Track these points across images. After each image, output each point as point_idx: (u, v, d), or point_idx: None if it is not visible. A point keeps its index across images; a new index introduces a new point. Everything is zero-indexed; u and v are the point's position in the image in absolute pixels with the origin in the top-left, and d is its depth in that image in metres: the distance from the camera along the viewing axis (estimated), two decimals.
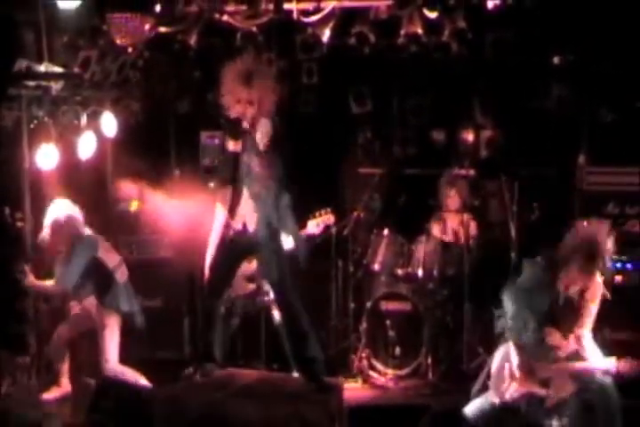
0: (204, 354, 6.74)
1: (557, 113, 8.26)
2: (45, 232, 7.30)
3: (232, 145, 6.24)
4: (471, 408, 6.13)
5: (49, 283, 7.37)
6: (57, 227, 7.26)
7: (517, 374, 5.96)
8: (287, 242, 7.03)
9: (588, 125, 8.11)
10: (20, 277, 7.29)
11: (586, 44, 7.57)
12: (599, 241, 5.92)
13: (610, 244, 5.97)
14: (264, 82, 6.25)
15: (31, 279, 7.33)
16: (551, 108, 8.22)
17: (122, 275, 7.39)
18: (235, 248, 6.52)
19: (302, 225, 7.50)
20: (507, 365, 6.03)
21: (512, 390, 5.99)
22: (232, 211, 6.44)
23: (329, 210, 7.64)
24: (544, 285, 6.00)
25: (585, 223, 6.06)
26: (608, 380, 5.89)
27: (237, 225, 6.45)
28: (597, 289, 5.97)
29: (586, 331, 5.98)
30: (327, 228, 7.80)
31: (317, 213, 7.60)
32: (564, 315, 5.95)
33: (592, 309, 5.97)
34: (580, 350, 5.97)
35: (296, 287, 6.54)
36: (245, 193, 6.40)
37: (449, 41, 7.47)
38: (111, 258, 7.40)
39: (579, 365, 5.96)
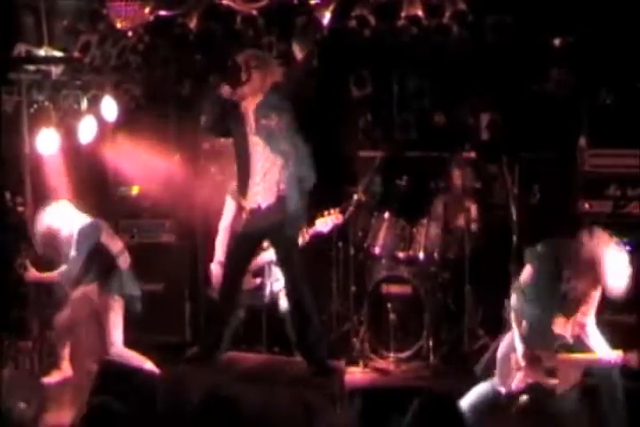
0: (210, 347, 6.74)
1: (558, 95, 8.22)
2: (39, 242, 7.30)
3: (225, 89, 6.24)
4: (474, 395, 6.14)
5: (52, 273, 7.34)
6: (48, 239, 7.27)
7: (522, 363, 5.96)
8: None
9: (589, 108, 8.09)
10: (21, 272, 7.27)
11: (586, 26, 7.54)
12: (601, 259, 5.86)
13: (611, 256, 5.89)
14: (271, 61, 6.33)
15: (33, 273, 7.33)
16: (552, 90, 8.19)
17: (124, 261, 7.38)
18: (250, 232, 6.50)
19: (310, 223, 7.53)
20: (512, 354, 6.03)
21: (517, 380, 5.99)
22: (244, 189, 6.43)
23: (337, 209, 7.64)
24: (548, 273, 5.99)
25: (588, 237, 5.98)
26: (612, 368, 5.91)
27: (252, 204, 6.44)
28: (600, 286, 5.97)
29: (589, 319, 5.98)
30: (335, 226, 7.79)
31: (326, 212, 7.61)
32: (567, 303, 5.95)
33: (594, 297, 5.97)
34: (584, 337, 5.97)
35: (306, 273, 6.56)
36: (259, 167, 6.38)
37: (449, 23, 7.43)
38: (114, 244, 7.39)
39: (584, 357, 5.96)
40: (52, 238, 7.29)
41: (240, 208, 6.76)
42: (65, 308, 7.60)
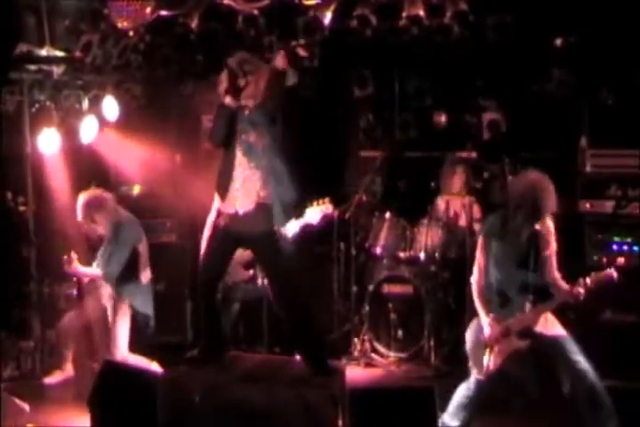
0: (208, 346, 6.73)
1: (559, 95, 8.23)
2: (81, 215, 7.19)
3: (228, 100, 6.23)
4: (458, 395, 6.16)
5: (96, 270, 7.25)
6: (89, 207, 7.17)
7: (490, 333, 5.98)
8: (290, 228, 7.03)
9: (590, 108, 8.09)
10: (63, 264, 7.17)
11: (587, 26, 7.54)
12: (542, 190, 5.99)
13: (552, 192, 6.01)
14: (261, 65, 6.33)
15: (75, 266, 7.20)
16: (553, 90, 8.19)
17: (146, 276, 7.34)
18: (226, 236, 6.47)
19: (300, 213, 7.49)
20: (481, 337, 6.05)
21: (492, 361, 6.00)
22: (223, 193, 6.39)
23: (327, 199, 7.59)
24: (498, 234, 6.07)
25: (525, 174, 6.11)
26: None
27: (229, 209, 6.40)
28: (550, 232, 6.05)
29: (555, 273, 6.03)
30: (326, 217, 7.73)
31: (315, 202, 7.56)
32: (527, 264, 6.01)
33: (553, 249, 6.03)
34: (555, 291, 6.00)
35: (295, 272, 6.51)
36: (239, 173, 6.35)
37: (450, 23, 7.44)
38: (145, 254, 7.34)
39: (543, 306, 6.00)
40: (103, 207, 7.18)
41: (219, 212, 6.68)
42: (73, 309, 7.61)
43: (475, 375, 6.13)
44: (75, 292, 7.74)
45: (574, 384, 5.87)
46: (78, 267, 7.23)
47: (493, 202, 8.97)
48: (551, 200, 6.02)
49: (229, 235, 6.43)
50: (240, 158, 6.31)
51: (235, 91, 6.19)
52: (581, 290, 5.90)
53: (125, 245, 7.15)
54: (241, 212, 6.34)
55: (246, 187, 6.32)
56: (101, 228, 7.23)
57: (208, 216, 6.88)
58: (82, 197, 7.19)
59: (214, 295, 6.66)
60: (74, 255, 7.17)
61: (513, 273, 6.04)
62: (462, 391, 6.18)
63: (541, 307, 6.00)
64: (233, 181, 6.34)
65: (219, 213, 6.47)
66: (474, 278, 6.22)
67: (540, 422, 6.63)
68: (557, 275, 6.04)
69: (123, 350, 7.18)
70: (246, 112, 6.31)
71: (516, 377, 6.06)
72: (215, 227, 6.53)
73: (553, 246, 6.06)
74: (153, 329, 7.38)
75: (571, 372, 5.87)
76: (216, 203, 6.99)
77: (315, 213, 7.36)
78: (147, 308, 7.30)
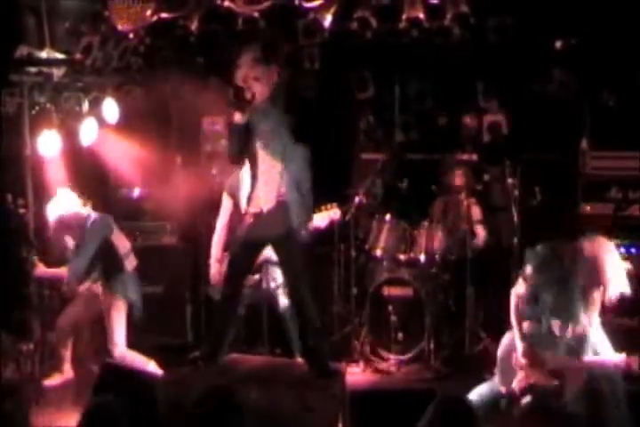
0: (213, 349, 6.74)
1: (560, 97, 8.23)
2: (51, 229, 7.31)
3: (237, 117, 6.27)
4: (475, 395, 6.13)
5: (61, 268, 7.34)
6: (61, 225, 7.28)
7: (523, 361, 5.95)
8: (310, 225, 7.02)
9: (591, 110, 8.10)
10: (29, 269, 7.24)
11: (588, 28, 7.54)
12: (601, 262, 5.86)
13: (611, 261, 5.90)
14: (267, 64, 6.34)
15: (41, 269, 7.33)
16: (554, 92, 8.20)
17: (131, 262, 7.38)
18: (253, 236, 6.49)
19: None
20: (513, 353, 6.03)
21: (519, 380, 5.97)
22: (250, 194, 6.43)
23: (335, 204, 7.62)
24: (547, 277, 5.99)
25: (587, 241, 6.00)
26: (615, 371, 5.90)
27: (255, 208, 6.42)
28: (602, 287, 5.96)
29: (592, 320, 5.97)
30: (333, 222, 7.77)
31: (323, 207, 7.59)
32: (567, 305, 5.94)
33: (596, 298, 5.95)
34: (587, 340, 5.95)
35: (308, 274, 6.53)
36: (262, 171, 6.38)
37: (451, 25, 7.44)
38: (122, 244, 7.39)
39: (587, 360, 5.95)
40: (65, 224, 7.26)
41: (237, 207, 6.72)
42: (68, 308, 7.61)
43: (497, 383, 6.09)
44: (65, 290, 7.77)
45: None
46: (43, 269, 7.37)
47: (493, 204, 8.98)
48: (617, 284, 5.87)
49: (256, 235, 6.45)
50: (262, 156, 6.34)
51: (242, 106, 6.24)
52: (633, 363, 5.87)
53: (91, 242, 7.21)
54: (265, 210, 6.36)
55: (268, 184, 6.35)
56: (71, 236, 7.35)
57: (211, 219, 6.90)
58: (51, 212, 7.28)
59: (239, 296, 6.67)
60: (35, 259, 7.31)
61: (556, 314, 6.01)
62: (473, 395, 6.14)
63: (580, 363, 5.95)
64: (257, 180, 6.37)
65: (245, 215, 6.50)
66: (514, 291, 6.15)
67: None
68: (595, 319, 5.95)
69: (121, 347, 7.20)
70: (258, 108, 6.35)
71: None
72: (232, 224, 6.57)
73: (598, 297, 5.94)
74: (140, 315, 7.38)
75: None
76: (226, 203, 7.00)
77: (322, 218, 7.42)
78: (134, 294, 7.35)
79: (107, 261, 7.28)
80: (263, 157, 6.36)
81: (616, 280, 5.85)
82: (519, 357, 5.98)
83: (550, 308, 5.95)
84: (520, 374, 5.97)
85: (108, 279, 7.28)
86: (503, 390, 6.05)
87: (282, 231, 6.35)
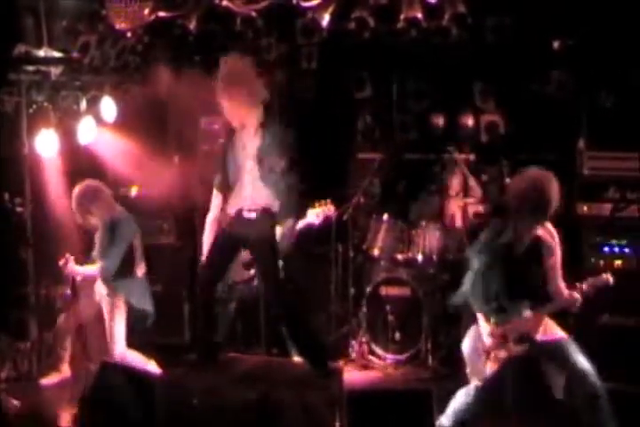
0: (203, 345, 6.75)
1: (558, 97, 8.22)
2: (74, 206, 7.22)
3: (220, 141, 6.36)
4: (462, 394, 6.15)
5: (91, 268, 7.27)
6: (88, 194, 7.20)
7: (490, 342, 5.96)
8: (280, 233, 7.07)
9: (589, 110, 8.09)
10: (61, 266, 7.17)
11: (586, 29, 7.54)
12: (545, 187, 5.97)
13: (555, 190, 5.99)
14: (245, 77, 6.39)
15: (72, 266, 7.19)
16: (551, 92, 8.19)
17: (141, 269, 7.35)
18: (230, 238, 6.52)
19: (301, 214, 7.50)
20: (479, 345, 6.05)
21: (490, 365, 5.99)
22: (231, 196, 6.47)
23: (329, 200, 7.62)
24: (498, 239, 6.04)
25: (529, 171, 6.09)
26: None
27: (235, 211, 6.46)
28: (554, 237, 6.03)
29: (560, 282, 6.01)
30: (327, 218, 7.77)
31: (317, 203, 7.58)
32: (526, 271, 5.99)
33: (557, 259, 6.01)
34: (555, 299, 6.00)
35: (293, 273, 6.56)
36: (249, 181, 6.43)
37: (449, 25, 7.44)
38: (139, 249, 7.35)
39: (544, 307, 6.00)
40: (98, 198, 7.21)
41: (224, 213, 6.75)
42: (70, 308, 7.60)
43: (474, 382, 6.12)
44: (68, 291, 7.73)
45: (574, 386, 5.86)
46: (75, 267, 7.23)
47: (491, 204, 8.97)
48: (555, 195, 5.98)
49: (233, 236, 6.48)
50: (251, 167, 6.38)
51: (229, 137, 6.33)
52: (577, 295, 5.90)
53: (122, 241, 7.16)
54: (247, 215, 6.40)
55: (255, 192, 6.40)
56: (95, 219, 7.24)
57: (206, 216, 6.91)
58: (78, 188, 7.21)
59: (213, 296, 6.70)
60: (69, 256, 7.16)
61: (510, 281, 6.02)
62: (461, 397, 6.17)
63: (538, 312, 6.00)
64: (243, 187, 6.42)
65: (223, 215, 6.53)
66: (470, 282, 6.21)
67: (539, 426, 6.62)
68: (562, 284, 6.03)
69: (121, 347, 7.19)
70: (247, 131, 6.41)
71: (515, 382, 6.04)
72: (219, 228, 6.60)
73: (558, 254, 6.04)
74: (151, 324, 7.38)
75: (570, 374, 5.86)
76: (215, 201, 7.02)
77: (316, 214, 7.42)
78: (144, 302, 7.31)
79: (122, 263, 7.22)
80: (252, 169, 6.41)
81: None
82: (485, 339, 5.99)
83: (503, 278, 6.02)
84: (490, 362, 5.99)
85: (116, 281, 7.23)
86: (478, 382, 6.06)
87: (259, 237, 6.39)
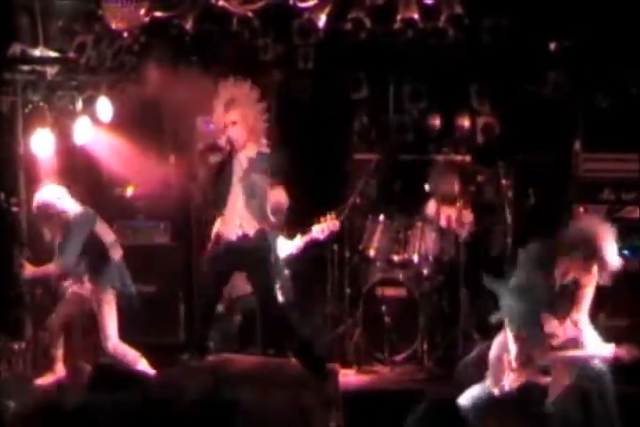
0: (199, 348, 6.79)
1: (554, 99, 8.24)
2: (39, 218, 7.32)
3: (213, 158, 6.47)
4: (467, 398, 6.12)
5: (49, 265, 7.31)
6: (41, 211, 7.27)
7: (515, 364, 5.95)
8: (284, 248, 7.11)
9: (585, 112, 8.10)
10: (19, 271, 7.22)
11: (582, 30, 7.55)
12: (597, 239, 5.90)
13: (608, 240, 5.93)
14: (246, 103, 6.44)
15: (30, 270, 7.28)
16: (547, 94, 8.20)
17: (116, 253, 7.37)
18: (225, 259, 6.60)
19: (306, 229, 7.55)
20: (505, 355, 6.03)
21: (511, 381, 5.98)
22: (225, 218, 6.56)
23: (333, 215, 7.64)
24: (540, 273, 6.00)
25: (584, 220, 6.04)
26: (604, 367, 5.90)
27: (230, 233, 6.53)
28: (593, 276, 5.98)
29: (583, 316, 5.98)
30: (332, 233, 7.81)
31: (322, 219, 7.61)
32: (559, 301, 5.95)
33: (588, 293, 5.97)
34: (579, 335, 5.97)
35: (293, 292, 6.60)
36: (240, 201, 6.48)
37: (445, 26, 7.45)
38: (107, 234, 7.39)
39: (577, 352, 5.96)
40: (50, 214, 7.26)
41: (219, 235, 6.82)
42: (59, 307, 7.59)
43: (489, 383, 6.10)
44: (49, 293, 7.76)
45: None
46: (31, 269, 7.33)
47: (487, 205, 8.97)
48: (612, 254, 5.91)
49: (228, 258, 6.56)
50: (239, 189, 6.44)
51: (216, 150, 6.37)
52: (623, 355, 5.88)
53: (76, 234, 7.21)
54: (241, 236, 6.45)
55: (248, 213, 6.45)
56: (51, 229, 7.35)
57: (204, 219, 6.95)
58: (35, 200, 7.30)
59: (213, 312, 6.77)
60: (22, 261, 7.27)
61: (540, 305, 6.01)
62: (464, 399, 6.14)
63: (568, 356, 5.96)
64: (235, 208, 6.47)
65: (218, 236, 6.61)
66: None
67: None
68: (583, 317, 5.99)
69: (113, 340, 7.20)
70: (239, 155, 6.47)
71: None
72: (215, 249, 6.69)
73: (588, 292, 5.99)
74: (137, 307, 7.38)
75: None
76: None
77: (322, 229, 7.48)
78: (126, 284, 7.33)
79: (92, 254, 7.27)
80: (243, 191, 6.46)
81: (609, 251, 5.89)
82: (512, 358, 5.98)
83: (541, 305, 5.97)
84: (512, 375, 5.98)
85: (95, 272, 7.27)
86: (495, 391, 6.05)
87: (253, 257, 6.46)
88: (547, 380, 5.92)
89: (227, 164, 6.61)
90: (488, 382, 6.13)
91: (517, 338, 5.99)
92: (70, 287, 7.51)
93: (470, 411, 6.02)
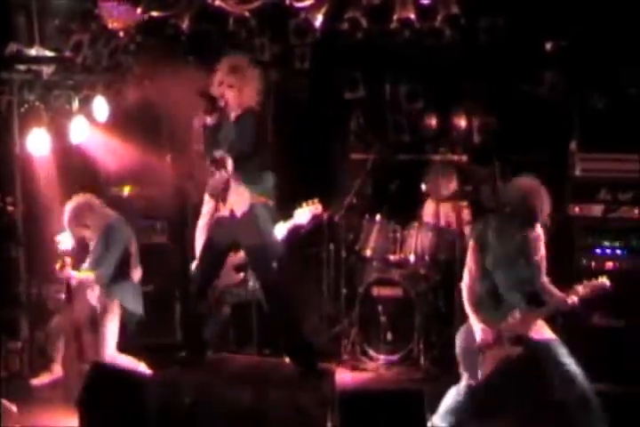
0: (193, 345, 6.77)
1: (550, 99, 8.24)
2: (66, 221, 7.29)
3: (208, 120, 6.32)
4: (444, 410, 6.15)
5: (89, 273, 7.31)
6: (77, 215, 7.29)
7: (484, 340, 5.98)
8: (280, 230, 7.06)
9: (581, 112, 8.10)
10: (57, 270, 7.20)
11: (578, 30, 7.55)
12: (536, 197, 6.01)
13: (547, 199, 6.04)
14: (247, 72, 6.41)
15: (68, 271, 7.24)
16: (544, 93, 8.20)
17: (136, 274, 7.39)
18: (221, 240, 6.55)
19: (290, 215, 7.48)
20: (471, 341, 6.06)
21: (484, 365, 6.00)
22: (218, 197, 6.50)
23: (316, 200, 7.58)
24: (489, 239, 6.10)
25: (518, 181, 6.12)
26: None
27: (225, 212, 6.48)
28: (540, 236, 6.12)
29: (544, 277, 6.08)
30: (316, 218, 7.73)
31: (305, 203, 7.55)
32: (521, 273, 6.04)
33: (542, 255, 6.08)
34: (546, 297, 6.03)
35: (286, 275, 6.56)
36: (232, 180, 6.43)
37: (442, 26, 7.44)
38: (136, 254, 7.40)
39: (537, 310, 6.03)
40: (88, 212, 7.30)
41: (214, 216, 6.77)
42: (62, 311, 7.59)
43: (465, 380, 6.12)
44: (63, 295, 7.72)
45: (565, 387, 5.86)
46: (71, 272, 7.27)
47: (484, 205, 8.97)
48: (546, 207, 6.04)
49: (225, 236, 6.51)
50: (232, 164, 6.38)
51: (214, 112, 6.33)
52: (575, 299, 5.92)
53: (117, 248, 7.21)
54: (236, 214, 6.41)
55: (240, 190, 6.40)
56: (89, 231, 7.30)
57: (198, 219, 6.92)
58: (69, 205, 7.29)
59: (205, 299, 6.73)
60: (67, 260, 7.20)
61: (504, 278, 6.05)
62: (452, 395, 6.18)
63: (534, 313, 6.01)
64: (229, 186, 6.43)
65: (214, 217, 6.56)
66: (464, 283, 6.22)
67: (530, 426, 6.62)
68: (546, 279, 6.07)
69: (111, 350, 7.19)
70: (231, 121, 6.42)
71: (507, 382, 6.04)
72: (210, 231, 6.63)
73: (542, 252, 6.10)
74: (139, 325, 7.39)
75: (561, 375, 5.87)
76: (206, 207, 7.02)
77: (304, 213, 7.38)
78: (137, 306, 7.36)
79: (118, 268, 7.29)
80: (234, 166, 6.43)
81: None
82: (479, 339, 6.00)
83: (498, 275, 6.05)
84: (483, 360, 6.00)
85: (112, 285, 7.27)
86: (473, 382, 6.07)
87: (249, 236, 6.41)
88: (519, 349, 5.98)
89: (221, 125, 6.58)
90: (464, 378, 6.14)
91: (480, 316, 6.03)
92: (80, 293, 7.49)
93: (455, 418, 6.06)
